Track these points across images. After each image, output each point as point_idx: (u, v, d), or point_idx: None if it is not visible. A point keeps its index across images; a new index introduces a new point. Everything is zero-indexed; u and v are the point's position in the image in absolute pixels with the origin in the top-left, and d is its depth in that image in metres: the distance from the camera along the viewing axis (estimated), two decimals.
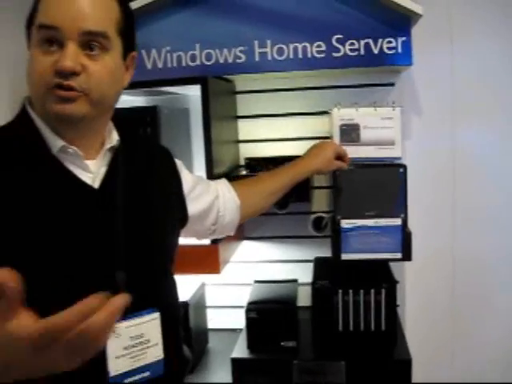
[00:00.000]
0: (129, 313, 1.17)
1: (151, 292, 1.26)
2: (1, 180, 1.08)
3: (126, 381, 1.17)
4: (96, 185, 1.18)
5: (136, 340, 1.19)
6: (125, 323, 1.17)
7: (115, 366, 1.15)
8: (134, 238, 1.21)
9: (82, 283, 1.10)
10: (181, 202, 1.45)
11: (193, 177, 1.56)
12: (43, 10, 1.09)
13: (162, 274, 1.33)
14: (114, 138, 1.25)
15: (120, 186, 1.21)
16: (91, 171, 1.19)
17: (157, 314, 1.23)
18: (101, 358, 1.12)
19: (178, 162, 1.49)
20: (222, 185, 1.67)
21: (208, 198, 1.58)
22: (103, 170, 1.21)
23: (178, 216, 1.44)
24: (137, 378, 1.19)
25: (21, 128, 1.16)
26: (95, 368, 1.12)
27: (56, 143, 1.13)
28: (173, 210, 1.40)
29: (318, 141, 1.97)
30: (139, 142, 1.41)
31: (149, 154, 1.38)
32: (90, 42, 1.11)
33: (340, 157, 1.88)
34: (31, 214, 1.08)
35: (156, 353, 1.23)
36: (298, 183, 1.87)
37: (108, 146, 1.23)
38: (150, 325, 1.22)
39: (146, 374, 1.21)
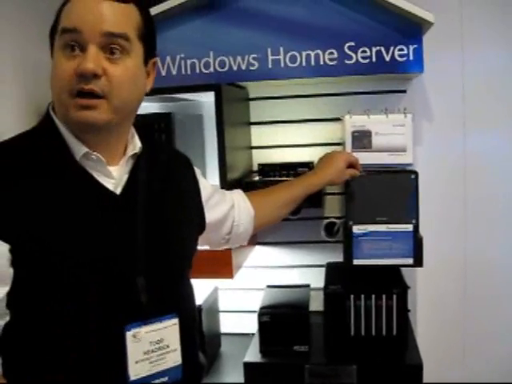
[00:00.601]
0: (149, 318, 1.19)
1: (170, 297, 1.28)
2: (26, 186, 1.09)
3: None
4: (118, 191, 1.20)
5: (156, 345, 1.21)
6: (145, 328, 1.18)
7: (135, 371, 1.17)
8: (154, 244, 1.22)
9: (104, 288, 1.13)
10: (199, 210, 1.46)
11: (211, 185, 1.57)
12: (65, 16, 1.12)
13: (181, 279, 1.34)
14: (136, 145, 1.27)
15: (141, 192, 1.22)
16: (114, 177, 1.20)
17: (176, 320, 1.24)
18: (121, 362, 1.15)
19: (197, 170, 1.50)
20: (237, 195, 1.68)
21: (224, 207, 1.59)
22: (125, 176, 1.23)
23: (197, 222, 1.45)
24: (155, 382, 1.21)
25: (45, 134, 1.18)
26: (116, 372, 1.15)
27: (79, 149, 1.15)
28: (192, 216, 1.42)
29: (330, 147, 1.99)
30: (159, 148, 1.42)
31: (169, 161, 1.40)
32: (111, 44, 1.12)
33: (352, 165, 1.89)
34: (55, 220, 1.09)
35: (175, 358, 1.24)
36: None
37: (131, 152, 1.25)
38: (169, 330, 1.23)
39: (165, 378, 1.22)
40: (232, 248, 1.77)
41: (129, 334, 1.15)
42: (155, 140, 1.39)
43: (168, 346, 1.23)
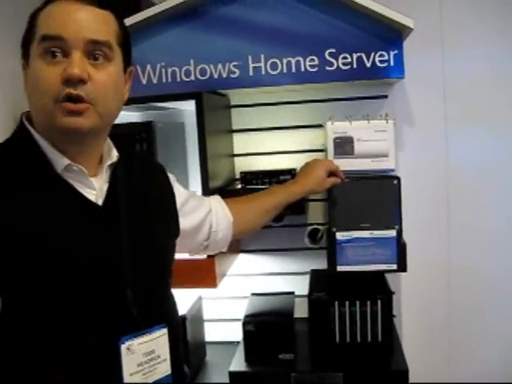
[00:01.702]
0: (140, 329, 1.19)
1: (158, 308, 1.28)
2: (6, 201, 1.07)
3: None
4: (100, 202, 1.19)
5: (148, 356, 1.21)
6: (137, 340, 1.18)
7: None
8: (138, 256, 1.21)
9: (93, 303, 1.12)
10: (175, 216, 1.45)
11: (186, 191, 1.56)
12: (45, 23, 1.10)
13: (166, 289, 1.34)
14: (113, 155, 1.26)
15: (122, 203, 1.22)
16: (95, 188, 1.19)
17: (165, 330, 1.25)
18: (117, 376, 1.14)
19: (171, 177, 1.49)
20: (215, 201, 1.68)
21: (201, 213, 1.58)
22: (105, 186, 1.22)
23: (173, 229, 1.44)
24: None
25: (22, 146, 1.16)
26: None
27: (60, 161, 1.13)
28: (169, 224, 1.41)
29: (312, 154, 1.99)
30: (134, 157, 1.40)
31: (144, 169, 1.38)
32: (95, 51, 1.12)
33: (333, 173, 1.88)
34: (40, 235, 1.07)
35: (165, 368, 1.25)
36: None
37: (109, 162, 1.24)
38: (159, 341, 1.23)
39: None
40: (212, 254, 1.76)
41: (123, 347, 1.15)
42: (129, 148, 1.37)
43: (159, 357, 1.24)
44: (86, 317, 1.09)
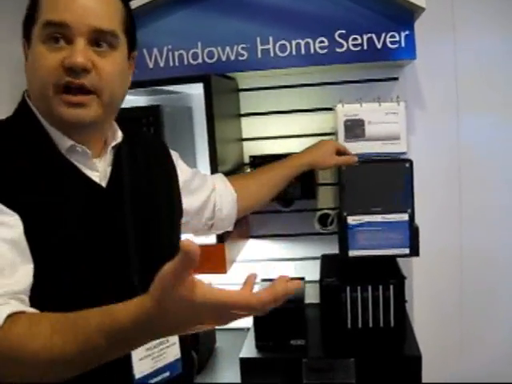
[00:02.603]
0: None
1: None
2: (12, 180, 1.05)
3: (150, 381, 1.19)
4: (104, 184, 1.17)
5: (156, 341, 1.20)
6: None
7: (139, 368, 1.17)
8: (144, 238, 1.20)
9: (99, 286, 1.10)
10: (178, 195, 1.43)
11: (190, 170, 1.55)
12: (49, 7, 1.07)
13: None
14: (118, 136, 1.24)
15: (126, 185, 1.20)
16: (98, 170, 1.17)
17: None
18: (126, 361, 1.14)
19: (174, 154, 1.47)
20: (218, 179, 1.66)
21: (205, 192, 1.57)
22: (109, 168, 1.20)
23: (178, 209, 1.43)
24: (159, 378, 1.21)
25: (25, 125, 1.13)
26: (121, 371, 1.13)
27: (64, 142, 1.12)
28: (173, 204, 1.40)
29: (322, 137, 1.98)
30: (137, 136, 1.38)
31: (147, 148, 1.36)
32: (99, 39, 1.09)
33: (341, 153, 1.87)
34: (45, 215, 1.06)
35: (175, 352, 1.25)
36: (304, 180, 1.87)
37: (113, 143, 1.22)
38: None
39: (167, 373, 1.23)
40: (218, 233, 1.75)
41: None
42: (133, 129, 1.34)
43: (168, 341, 1.24)
44: (90, 300, 1.07)
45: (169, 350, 1.23)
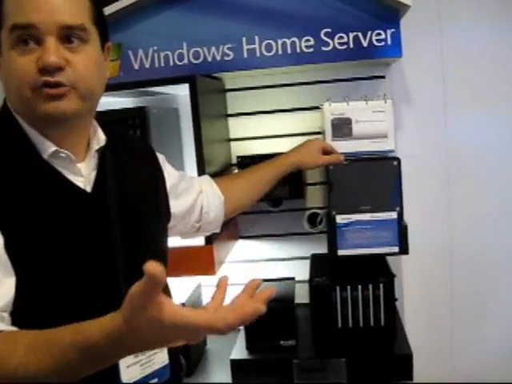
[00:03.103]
0: None
1: None
2: None
3: None
4: (88, 189, 1.15)
5: None
6: None
7: (127, 375, 1.15)
8: (130, 244, 1.18)
9: (87, 293, 1.09)
10: (165, 199, 1.42)
11: (176, 173, 1.53)
12: (14, 10, 1.05)
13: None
14: (101, 138, 1.22)
15: (111, 189, 1.18)
16: (82, 175, 1.15)
17: None
18: (113, 369, 1.12)
19: (161, 157, 1.45)
20: (205, 181, 1.65)
21: (192, 195, 1.56)
22: (93, 173, 1.18)
23: (165, 213, 1.41)
24: None
25: (5, 130, 1.11)
26: (108, 379, 1.11)
27: (47, 147, 1.09)
28: (161, 208, 1.38)
29: (310, 136, 1.97)
30: (122, 139, 1.35)
31: (133, 151, 1.34)
32: (69, 35, 1.08)
33: (328, 152, 1.86)
34: (29, 225, 1.04)
35: (163, 358, 1.23)
36: (292, 180, 1.86)
37: (97, 147, 1.20)
38: None
39: (155, 380, 1.21)
40: (206, 235, 1.74)
41: None
42: (117, 131, 1.33)
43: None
44: (78, 308, 1.06)
45: (157, 356, 1.22)
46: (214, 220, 1.64)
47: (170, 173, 1.47)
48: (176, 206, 1.46)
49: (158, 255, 1.30)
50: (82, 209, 1.12)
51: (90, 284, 1.10)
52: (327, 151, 1.85)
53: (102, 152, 1.21)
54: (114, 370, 1.12)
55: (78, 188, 1.13)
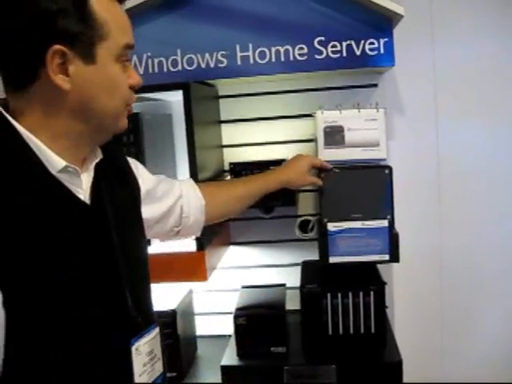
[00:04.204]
0: (142, 330, 1.18)
1: (149, 306, 1.27)
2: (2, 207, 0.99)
3: None
4: (87, 201, 1.14)
5: (150, 356, 1.20)
6: (142, 340, 1.17)
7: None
8: (127, 254, 1.18)
9: (96, 306, 1.08)
10: (139, 203, 1.39)
11: (153, 178, 1.51)
12: (122, 30, 1.10)
13: (149, 286, 1.31)
14: (98, 151, 1.21)
15: (107, 200, 1.17)
16: (83, 188, 1.13)
17: (158, 329, 1.24)
18: (129, 378, 1.13)
19: (133, 163, 1.43)
20: (188, 184, 1.64)
21: (170, 199, 1.54)
22: (89, 185, 1.17)
23: (141, 222, 1.39)
24: None
25: (6, 146, 1.05)
26: None
27: (57, 162, 1.06)
28: (139, 217, 1.37)
29: (302, 144, 1.97)
30: (105, 149, 1.30)
31: (112, 160, 1.30)
32: None
33: (317, 167, 1.87)
34: (39, 242, 1.00)
35: (159, 366, 1.25)
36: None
37: (97, 159, 1.19)
38: (155, 340, 1.23)
39: None
40: (185, 238, 1.71)
41: (133, 348, 1.14)
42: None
43: (156, 356, 1.23)
44: (91, 321, 1.06)
45: (156, 364, 1.23)
46: (194, 224, 1.62)
47: (145, 178, 1.45)
48: (150, 210, 1.45)
49: (145, 265, 1.32)
50: (84, 222, 1.11)
51: (98, 298, 1.09)
52: (317, 167, 1.87)
53: (96, 164, 1.20)
54: (130, 380, 1.13)
55: (82, 202, 1.12)
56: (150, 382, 1.19)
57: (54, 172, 1.06)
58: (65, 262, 1.04)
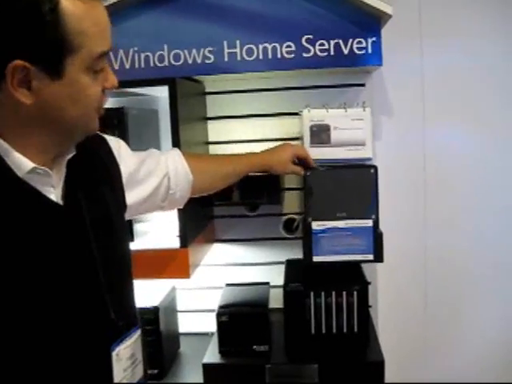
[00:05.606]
0: (122, 334, 1.15)
1: (130, 308, 1.25)
2: None
3: None
4: (60, 201, 1.11)
5: (130, 360, 1.18)
6: (123, 345, 1.15)
7: None
8: (107, 254, 1.16)
9: (75, 312, 1.07)
10: (122, 194, 1.35)
11: (135, 159, 1.45)
12: (97, 37, 1.03)
13: (132, 286, 1.29)
14: (72, 148, 1.17)
15: (82, 198, 1.14)
16: (54, 186, 1.10)
17: (139, 331, 1.22)
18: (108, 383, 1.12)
19: (116, 143, 1.38)
20: (176, 157, 1.60)
21: (154, 179, 1.50)
22: (61, 183, 1.13)
23: (123, 209, 1.35)
24: None
25: None
26: None
27: (25, 165, 1.03)
28: (121, 206, 1.33)
29: (288, 142, 1.97)
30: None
31: (88, 150, 1.23)
32: None
33: (301, 160, 1.87)
34: (10, 247, 0.99)
35: (140, 370, 1.23)
36: (269, 185, 1.87)
37: (69, 156, 1.15)
38: (136, 343, 1.20)
39: None
40: (169, 210, 1.70)
41: (114, 354, 1.12)
42: None
43: (136, 360, 1.21)
44: (68, 326, 1.04)
45: (137, 368, 1.21)
46: (179, 199, 1.61)
47: (127, 161, 1.39)
48: (133, 196, 1.41)
49: (127, 263, 1.29)
50: (57, 223, 1.08)
51: (74, 300, 1.07)
52: (300, 159, 1.86)
53: (68, 159, 1.16)
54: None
55: (54, 203, 1.09)
56: None
57: (21, 174, 1.03)
58: (38, 265, 1.02)
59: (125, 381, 1.15)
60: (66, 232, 1.09)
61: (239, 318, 1.95)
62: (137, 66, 2.00)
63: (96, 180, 1.23)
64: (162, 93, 2.00)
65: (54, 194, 1.09)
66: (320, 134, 1.92)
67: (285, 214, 2.19)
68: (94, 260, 1.12)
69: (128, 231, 1.37)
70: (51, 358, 1.02)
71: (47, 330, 1.02)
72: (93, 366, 1.09)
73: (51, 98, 1.01)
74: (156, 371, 2.01)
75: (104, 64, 1.07)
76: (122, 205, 1.34)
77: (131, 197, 1.39)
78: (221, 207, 2.24)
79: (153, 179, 1.50)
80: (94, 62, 1.03)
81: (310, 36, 1.95)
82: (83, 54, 1.01)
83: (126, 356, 1.16)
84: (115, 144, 1.37)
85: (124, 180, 1.36)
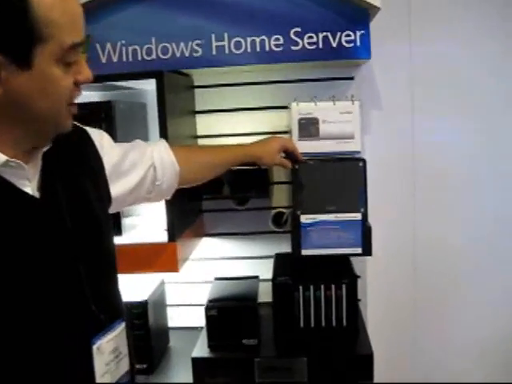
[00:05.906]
0: (105, 327, 1.14)
1: (114, 301, 1.23)
2: None
3: None
4: (37, 194, 1.09)
5: (113, 354, 1.17)
6: (105, 339, 1.13)
7: None
8: (85, 246, 1.14)
9: (54, 305, 1.05)
10: (106, 187, 1.34)
11: (119, 150, 1.43)
12: (68, 27, 0.99)
13: (115, 278, 1.28)
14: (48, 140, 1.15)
15: (60, 191, 1.13)
16: (29, 179, 1.08)
17: (124, 324, 1.20)
18: (90, 379, 1.10)
19: (98, 135, 1.36)
20: (162, 148, 1.58)
21: (139, 170, 1.48)
22: (37, 175, 1.11)
23: (106, 202, 1.34)
24: None
25: None
26: None
27: None
28: (104, 199, 1.31)
29: (277, 135, 1.96)
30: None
31: (66, 142, 1.21)
32: None
33: (289, 153, 1.86)
34: None
35: (125, 364, 1.21)
36: (258, 178, 1.86)
37: (45, 148, 1.13)
38: (120, 336, 1.19)
39: None
40: (156, 201, 1.68)
41: (94, 348, 1.10)
42: None
43: (121, 353, 1.19)
44: (47, 319, 1.03)
45: (122, 361, 1.19)
46: (166, 189, 1.59)
47: (110, 153, 1.37)
48: (118, 188, 1.39)
49: (112, 257, 1.28)
50: (33, 216, 1.07)
51: (53, 293, 1.06)
52: (288, 152, 1.86)
53: (43, 152, 1.15)
54: (91, 381, 1.10)
55: (28, 195, 1.07)
56: (113, 382, 1.16)
57: None
58: (16, 256, 1.01)
59: (108, 375, 1.14)
60: (42, 224, 1.08)
61: (228, 312, 1.95)
62: (124, 59, 2.00)
63: (75, 172, 1.21)
64: (150, 86, 1.99)
65: (30, 187, 1.07)
66: (308, 127, 1.92)
67: (274, 208, 2.18)
68: (73, 251, 1.11)
69: (112, 224, 1.34)
70: (30, 351, 1.01)
71: (25, 322, 1.00)
72: (73, 359, 1.08)
73: (20, 89, 0.99)
74: (145, 366, 2.01)
75: (77, 56, 1.03)
76: (105, 197, 1.32)
77: (116, 188, 1.37)
78: (210, 201, 2.24)
79: (138, 170, 1.48)
80: (66, 53, 1.00)
81: (299, 29, 1.95)
82: (53, 45, 0.98)
83: (108, 349, 1.14)
84: (97, 136, 1.35)
85: (107, 172, 1.34)
